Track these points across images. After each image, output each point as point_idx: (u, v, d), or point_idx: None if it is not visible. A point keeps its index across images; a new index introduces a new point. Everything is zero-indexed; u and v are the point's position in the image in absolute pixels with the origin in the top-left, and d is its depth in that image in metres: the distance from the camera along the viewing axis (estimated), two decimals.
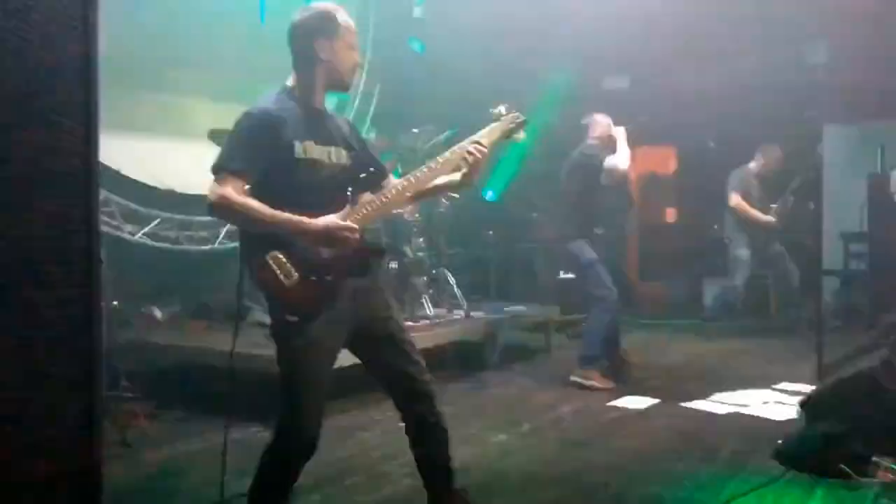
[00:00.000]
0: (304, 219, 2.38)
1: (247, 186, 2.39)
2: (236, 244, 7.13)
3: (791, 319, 7.06)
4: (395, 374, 2.61)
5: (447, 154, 2.63)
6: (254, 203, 2.36)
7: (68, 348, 1.35)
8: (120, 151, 5.84)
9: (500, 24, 7.78)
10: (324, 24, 2.52)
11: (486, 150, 2.63)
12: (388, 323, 2.61)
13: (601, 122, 5.44)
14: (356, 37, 2.57)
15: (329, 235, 2.38)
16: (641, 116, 5.89)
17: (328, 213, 2.43)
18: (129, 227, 5.90)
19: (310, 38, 2.52)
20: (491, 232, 8.41)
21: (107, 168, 5.69)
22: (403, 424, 2.66)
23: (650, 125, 6.14)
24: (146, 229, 5.98)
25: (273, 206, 2.36)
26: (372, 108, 7.91)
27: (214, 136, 5.47)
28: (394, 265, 5.58)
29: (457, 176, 2.66)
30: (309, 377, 2.45)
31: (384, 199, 2.54)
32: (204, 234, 6.35)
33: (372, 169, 2.66)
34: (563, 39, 8.14)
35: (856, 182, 7.26)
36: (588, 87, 8.54)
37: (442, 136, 5.84)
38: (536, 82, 8.24)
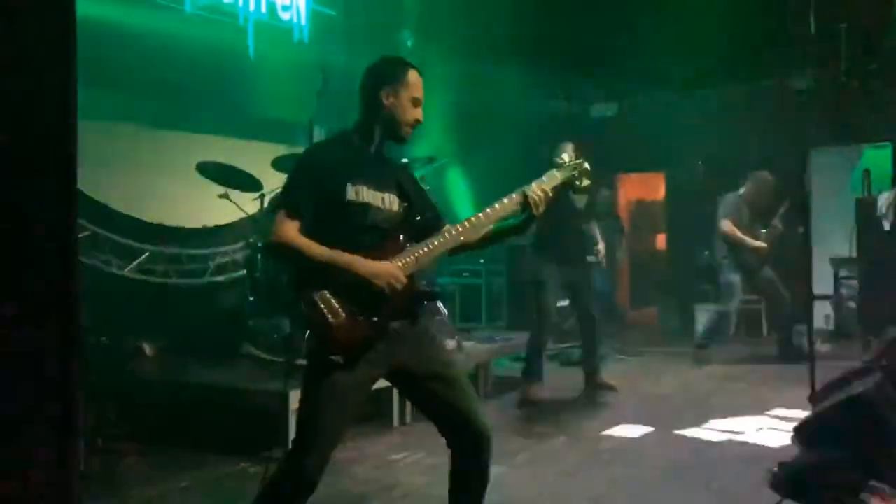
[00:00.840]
0: (359, 258, 2.41)
1: (300, 224, 2.42)
2: (223, 278, 7.05)
3: (783, 345, 7.04)
4: (446, 411, 2.54)
5: (504, 200, 2.58)
6: (308, 243, 2.40)
7: (46, 384, 1.32)
8: (108, 185, 5.83)
9: None
10: (392, 74, 2.56)
11: (548, 195, 2.58)
12: (431, 363, 2.55)
13: (566, 149, 5.67)
14: (422, 94, 2.59)
15: (380, 279, 2.39)
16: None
17: (377, 255, 2.45)
18: (117, 262, 5.87)
19: (376, 84, 2.56)
20: (482, 260, 8.42)
21: (94, 202, 5.67)
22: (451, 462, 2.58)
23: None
24: (134, 264, 5.94)
25: (324, 245, 2.40)
26: None
27: (203, 168, 5.48)
28: None
29: (515, 221, 2.63)
30: (332, 419, 2.42)
31: (433, 246, 2.53)
32: (193, 267, 6.32)
33: (428, 215, 2.65)
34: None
35: (842, 206, 7.32)
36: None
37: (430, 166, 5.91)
38: None
